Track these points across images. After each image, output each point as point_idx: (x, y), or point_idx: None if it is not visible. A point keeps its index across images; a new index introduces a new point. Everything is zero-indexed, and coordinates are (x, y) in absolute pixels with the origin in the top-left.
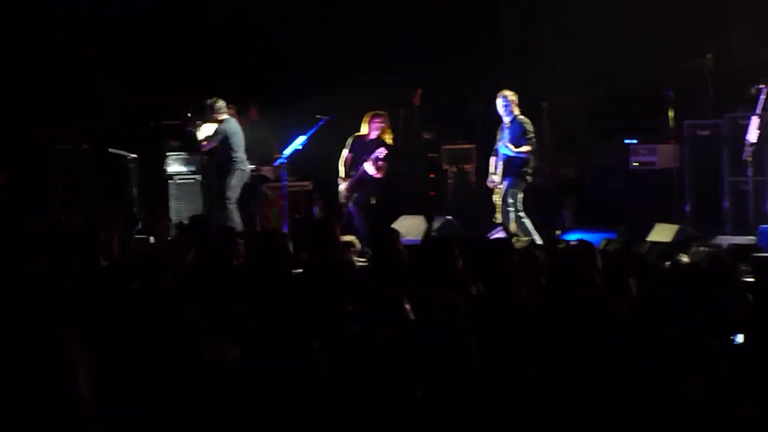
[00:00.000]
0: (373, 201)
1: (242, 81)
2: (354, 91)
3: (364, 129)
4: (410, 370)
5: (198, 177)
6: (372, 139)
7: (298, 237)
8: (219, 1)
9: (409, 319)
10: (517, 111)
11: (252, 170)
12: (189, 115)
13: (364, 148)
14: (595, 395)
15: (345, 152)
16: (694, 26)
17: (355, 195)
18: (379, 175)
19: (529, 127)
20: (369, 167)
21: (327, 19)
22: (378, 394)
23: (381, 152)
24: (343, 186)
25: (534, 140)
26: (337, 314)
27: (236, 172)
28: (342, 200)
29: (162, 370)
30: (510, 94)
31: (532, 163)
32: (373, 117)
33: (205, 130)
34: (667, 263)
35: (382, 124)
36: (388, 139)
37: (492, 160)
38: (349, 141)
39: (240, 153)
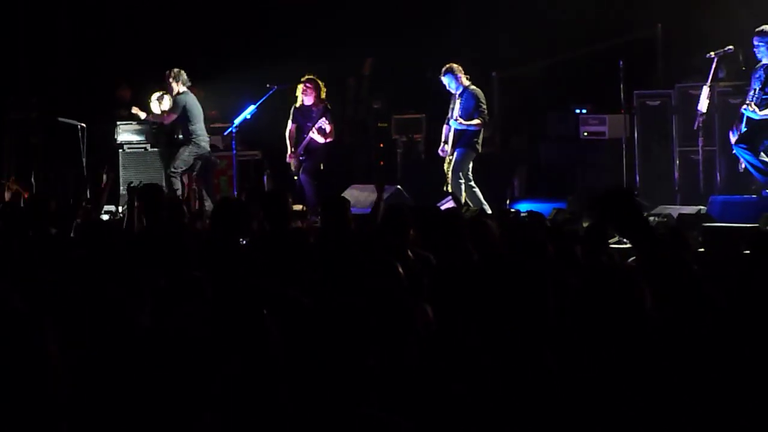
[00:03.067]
0: (322, 167)
1: (193, 50)
2: (305, 60)
3: (299, 99)
4: (363, 340)
5: (148, 146)
6: (309, 105)
7: (248, 206)
8: None
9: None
10: (466, 81)
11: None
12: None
13: (305, 116)
14: (543, 363)
15: (289, 124)
16: None
17: (303, 163)
18: (328, 140)
19: (482, 98)
20: (316, 136)
21: None
22: (331, 364)
23: (324, 123)
24: (291, 157)
25: (486, 112)
26: (289, 284)
27: (191, 145)
28: (293, 170)
29: (109, 335)
30: (455, 67)
31: (482, 134)
32: (303, 86)
33: (165, 103)
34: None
35: (311, 87)
36: (323, 95)
37: (444, 128)
38: (291, 112)
39: (197, 126)
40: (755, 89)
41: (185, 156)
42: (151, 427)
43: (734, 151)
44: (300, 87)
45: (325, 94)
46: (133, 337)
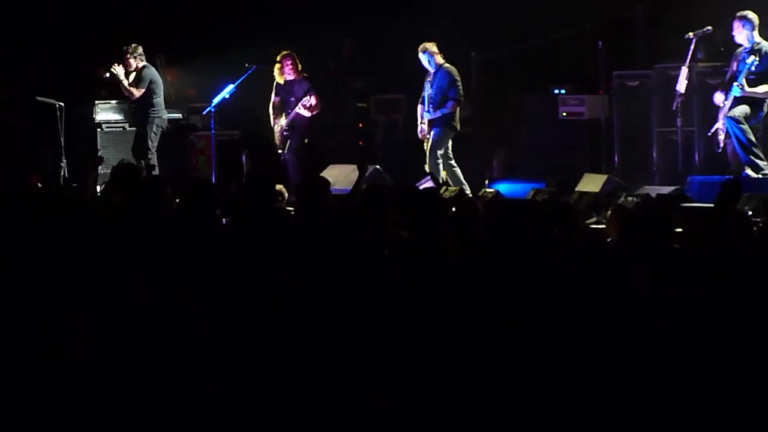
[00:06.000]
0: (306, 141)
1: (171, 30)
2: (285, 40)
3: (279, 78)
4: (346, 322)
5: (127, 125)
6: (292, 80)
7: (230, 186)
8: None
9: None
10: (441, 60)
11: (180, 119)
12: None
13: (287, 91)
14: (529, 347)
15: (272, 97)
16: None
17: (288, 141)
18: (315, 112)
19: (456, 75)
20: (302, 111)
21: None
22: (316, 348)
23: (308, 99)
24: (277, 130)
25: (461, 90)
26: (274, 265)
27: (155, 120)
28: (277, 144)
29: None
30: (430, 45)
31: (459, 113)
32: (281, 64)
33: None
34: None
35: (290, 63)
36: (300, 67)
37: (419, 108)
38: (274, 86)
39: (159, 100)
40: (741, 71)
41: (154, 133)
42: (150, 412)
43: (715, 130)
44: (277, 67)
45: (301, 65)
46: (129, 320)
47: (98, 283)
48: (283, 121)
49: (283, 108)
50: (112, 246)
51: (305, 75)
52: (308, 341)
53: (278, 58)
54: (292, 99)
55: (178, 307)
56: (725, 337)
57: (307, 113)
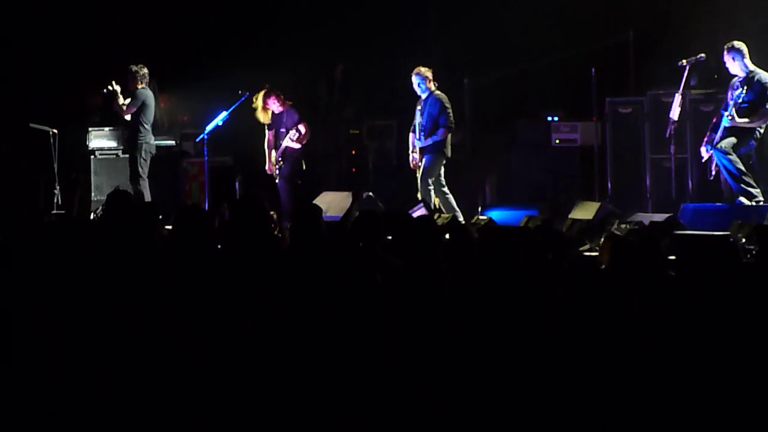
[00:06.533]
0: (304, 166)
1: (164, 56)
2: (276, 67)
3: (264, 118)
4: (336, 345)
5: (120, 152)
6: (281, 112)
7: (222, 212)
8: None
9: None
10: (432, 86)
11: (173, 146)
12: (111, 88)
13: (279, 123)
14: (521, 373)
15: (266, 133)
16: (617, 3)
17: (282, 167)
18: (305, 141)
19: (447, 103)
20: (291, 143)
21: None
22: (300, 371)
23: (294, 132)
24: (268, 163)
25: (451, 117)
26: (263, 290)
27: (142, 145)
28: (275, 176)
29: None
30: (424, 70)
31: (450, 140)
32: (264, 103)
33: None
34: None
35: (273, 97)
36: (283, 97)
37: (411, 137)
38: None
39: (149, 126)
40: (734, 101)
41: (143, 159)
42: None
43: (708, 157)
44: (259, 107)
45: (284, 95)
46: (115, 344)
47: (76, 308)
48: (274, 153)
49: (276, 140)
50: (101, 272)
51: (291, 104)
52: (291, 367)
53: (257, 100)
54: (283, 130)
55: (162, 332)
56: (711, 362)
57: (296, 144)
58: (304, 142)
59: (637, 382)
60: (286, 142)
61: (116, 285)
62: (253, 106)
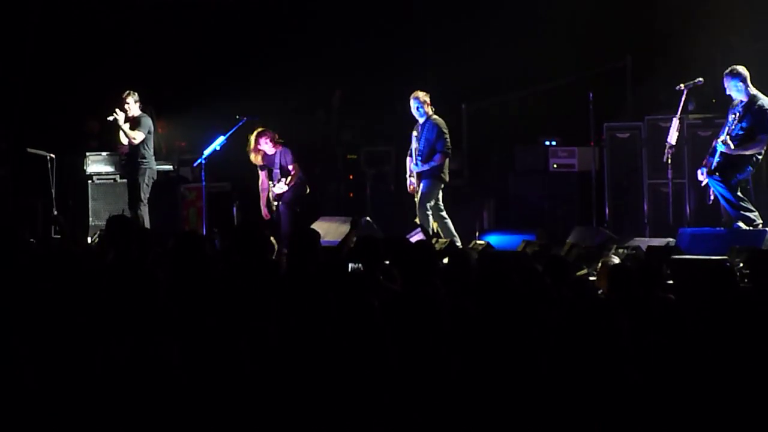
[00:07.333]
0: (308, 191)
1: (162, 82)
2: (274, 92)
3: (258, 159)
4: (335, 368)
5: (117, 177)
6: (273, 153)
7: (221, 238)
8: None
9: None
10: (430, 111)
11: (171, 171)
12: (116, 116)
13: (272, 163)
14: (518, 395)
15: (260, 175)
16: (615, 28)
17: (279, 205)
18: (296, 179)
19: (444, 128)
20: (280, 189)
21: (247, 19)
22: (300, 394)
23: (280, 187)
24: (263, 198)
25: (448, 142)
26: (261, 314)
27: (146, 171)
28: (274, 201)
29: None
30: (422, 95)
31: (447, 164)
32: (257, 143)
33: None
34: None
35: (266, 138)
36: (276, 137)
37: (408, 161)
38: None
39: (151, 151)
40: (731, 126)
41: (146, 184)
42: None
43: (706, 182)
44: (252, 149)
45: (275, 134)
46: (108, 370)
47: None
48: (271, 195)
49: (271, 179)
50: (99, 299)
51: (282, 142)
52: (286, 391)
53: (252, 141)
54: (277, 171)
55: (157, 358)
56: (709, 383)
57: (285, 187)
58: (296, 179)
59: (630, 405)
60: (278, 190)
61: (114, 310)
62: (246, 149)
